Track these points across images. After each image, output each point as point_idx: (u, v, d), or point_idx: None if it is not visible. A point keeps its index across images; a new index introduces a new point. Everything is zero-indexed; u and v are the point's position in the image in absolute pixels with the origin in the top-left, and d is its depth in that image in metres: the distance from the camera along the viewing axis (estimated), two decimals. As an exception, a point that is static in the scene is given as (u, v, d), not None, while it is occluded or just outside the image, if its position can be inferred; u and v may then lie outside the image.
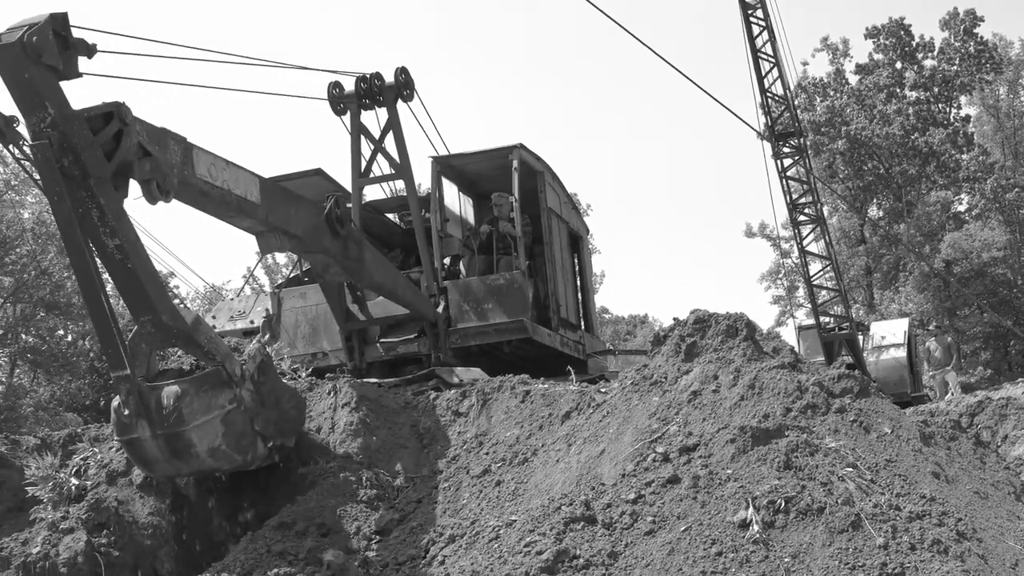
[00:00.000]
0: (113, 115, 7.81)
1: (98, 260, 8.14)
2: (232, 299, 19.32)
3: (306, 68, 12.85)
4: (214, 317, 16.30)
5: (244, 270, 69.79)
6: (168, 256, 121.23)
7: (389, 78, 13.89)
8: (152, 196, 8.13)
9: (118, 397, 8.32)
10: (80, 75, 7.87)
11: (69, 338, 54.05)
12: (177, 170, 8.39)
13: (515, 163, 14.55)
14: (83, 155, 7.57)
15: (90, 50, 7.91)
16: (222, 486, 9.96)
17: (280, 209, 9.91)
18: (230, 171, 9.09)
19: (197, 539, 9.57)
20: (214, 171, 8.86)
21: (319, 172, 15.18)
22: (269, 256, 63.18)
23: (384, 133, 14.07)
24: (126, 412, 8.23)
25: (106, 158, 7.78)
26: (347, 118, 14.21)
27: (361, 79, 13.86)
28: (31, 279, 48.65)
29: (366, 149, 14.25)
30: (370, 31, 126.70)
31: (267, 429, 8.98)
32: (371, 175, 14.53)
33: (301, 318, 14.67)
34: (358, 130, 14.13)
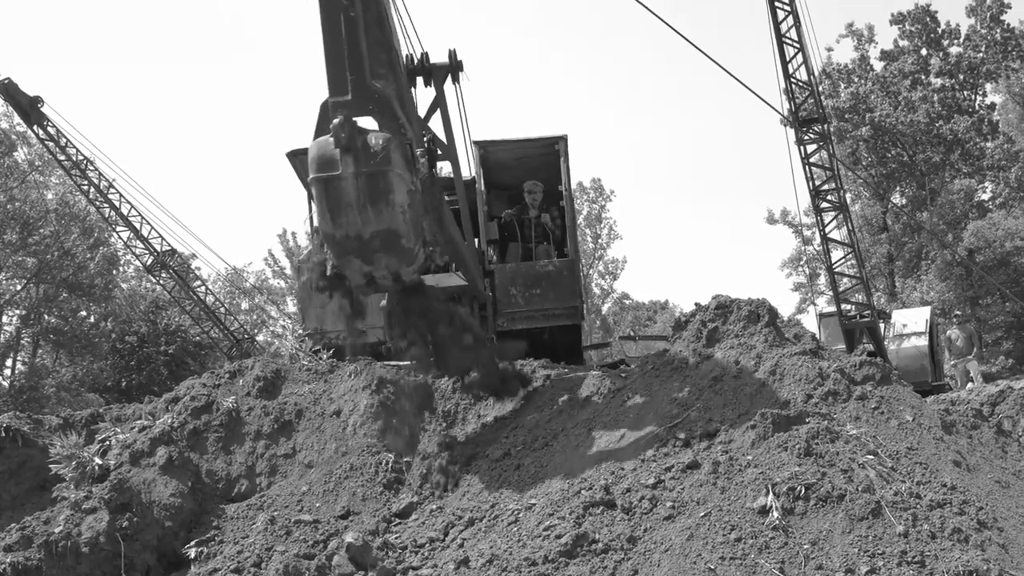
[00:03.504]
0: None
1: None
2: None
3: None
4: None
5: (266, 253, 70.21)
6: (190, 238, 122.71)
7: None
8: None
9: (327, 132, 7.81)
10: None
11: (91, 319, 54.43)
12: None
13: (562, 153, 14.64)
14: None
15: None
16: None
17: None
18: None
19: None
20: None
21: None
22: (289, 238, 63.33)
23: (430, 113, 13.93)
24: (341, 137, 7.67)
25: None
26: None
27: (408, 58, 13.74)
28: (54, 260, 48.97)
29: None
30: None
31: (426, 234, 8.49)
32: None
33: None
34: None
